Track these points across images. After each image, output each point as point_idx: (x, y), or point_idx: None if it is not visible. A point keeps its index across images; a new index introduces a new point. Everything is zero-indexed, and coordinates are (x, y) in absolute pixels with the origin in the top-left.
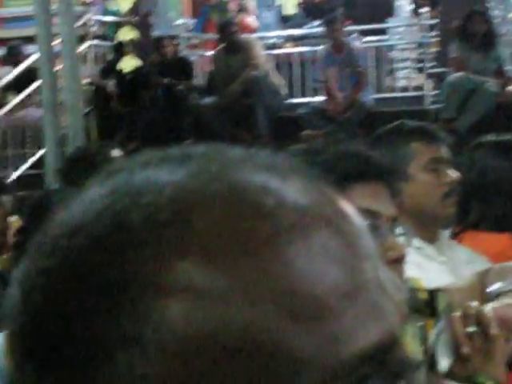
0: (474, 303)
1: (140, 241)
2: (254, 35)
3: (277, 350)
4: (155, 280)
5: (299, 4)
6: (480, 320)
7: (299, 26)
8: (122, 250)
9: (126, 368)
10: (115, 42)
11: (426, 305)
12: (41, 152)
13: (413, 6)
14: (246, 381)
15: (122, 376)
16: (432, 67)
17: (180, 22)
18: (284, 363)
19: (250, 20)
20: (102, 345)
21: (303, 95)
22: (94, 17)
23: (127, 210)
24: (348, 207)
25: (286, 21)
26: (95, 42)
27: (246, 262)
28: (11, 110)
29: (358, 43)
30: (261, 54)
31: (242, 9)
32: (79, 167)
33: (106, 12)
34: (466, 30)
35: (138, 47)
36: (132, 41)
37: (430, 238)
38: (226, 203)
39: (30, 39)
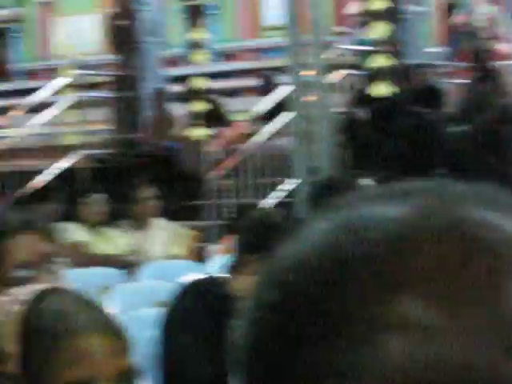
0: None
1: (360, 276)
2: (509, 62)
3: None
4: (375, 315)
5: None
6: None
7: None
8: (342, 285)
9: None
10: (367, 70)
11: None
12: (291, 181)
13: None
14: None
15: None
16: None
17: (432, 50)
18: None
19: (505, 47)
20: (321, 377)
21: None
22: (345, 46)
23: (348, 245)
24: None
25: None
26: (346, 71)
27: (467, 298)
28: (262, 139)
29: None
30: None
31: (496, 36)
32: (327, 196)
33: (358, 41)
34: None
35: (389, 75)
36: (384, 69)
37: None
38: (447, 239)
39: (282, 69)
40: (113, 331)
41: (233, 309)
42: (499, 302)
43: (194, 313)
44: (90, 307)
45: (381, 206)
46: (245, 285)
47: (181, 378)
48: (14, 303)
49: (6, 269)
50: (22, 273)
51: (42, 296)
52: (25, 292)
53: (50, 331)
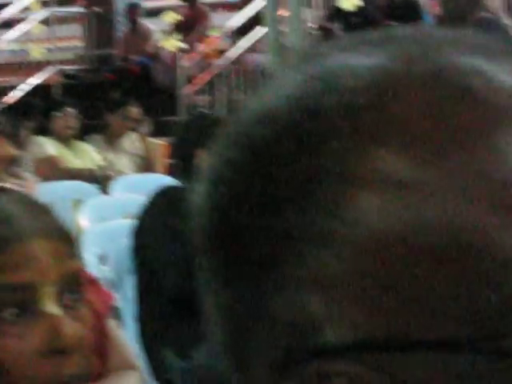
0: None
1: (333, 128)
2: None
3: (485, 249)
4: (350, 170)
5: None
6: None
7: None
8: (313, 138)
9: (315, 265)
10: None
11: None
12: None
13: None
14: (447, 283)
15: (310, 273)
16: None
17: None
18: (493, 264)
19: None
20: (289, 239)
21: None
22: None
23: (320, 95)
24: None
25: None
26: None
27: (451, 150)
28: (236, 55)
29: None
30: None
31: None
32: None
33: None
34: None
35: None
36: None
37: None
38: (430, 86)
39: None
40: (59, 235)
41: None
42: (488, 156)
43: (165, 218)
44: (37, 210)
45: (356, 54)
46: None
47: (156, 282)
48: None
49: None
50: None
51: None
52: None
53: None
